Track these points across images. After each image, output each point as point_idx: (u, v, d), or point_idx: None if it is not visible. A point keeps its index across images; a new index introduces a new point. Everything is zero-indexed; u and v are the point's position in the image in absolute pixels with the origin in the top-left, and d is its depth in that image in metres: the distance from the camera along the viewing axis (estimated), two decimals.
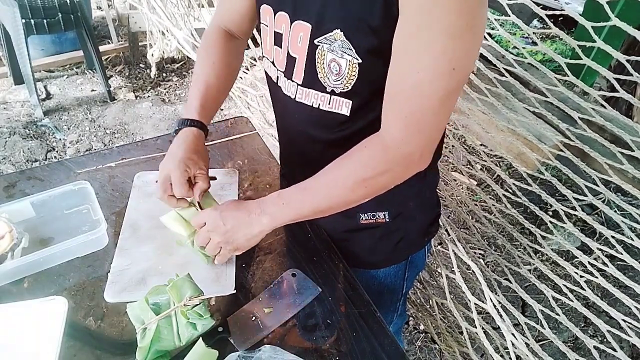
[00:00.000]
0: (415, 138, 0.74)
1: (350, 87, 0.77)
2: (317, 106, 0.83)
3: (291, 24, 0.79)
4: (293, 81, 0.84)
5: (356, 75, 0.75)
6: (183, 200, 0.92)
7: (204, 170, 0.93)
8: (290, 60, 0.83)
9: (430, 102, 0.70)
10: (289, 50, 0.82)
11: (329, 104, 0.82)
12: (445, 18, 0.62)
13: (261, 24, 0.88)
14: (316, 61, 0.78)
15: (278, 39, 0.84)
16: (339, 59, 0.74)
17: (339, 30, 0.72)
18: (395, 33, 0.68)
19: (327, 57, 0.76)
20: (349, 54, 0.73)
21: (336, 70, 0.76)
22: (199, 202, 0.93)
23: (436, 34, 0.64)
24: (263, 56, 0.93)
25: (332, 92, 0.80)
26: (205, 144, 0.98)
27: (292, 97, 0.86)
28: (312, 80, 0.81)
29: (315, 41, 0.76)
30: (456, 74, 0.67)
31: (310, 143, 0.91)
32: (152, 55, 3.38)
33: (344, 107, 0.81)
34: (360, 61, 0.73)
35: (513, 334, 1.23)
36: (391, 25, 0.67)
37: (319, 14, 0.74)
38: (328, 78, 0.78)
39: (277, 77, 0.89)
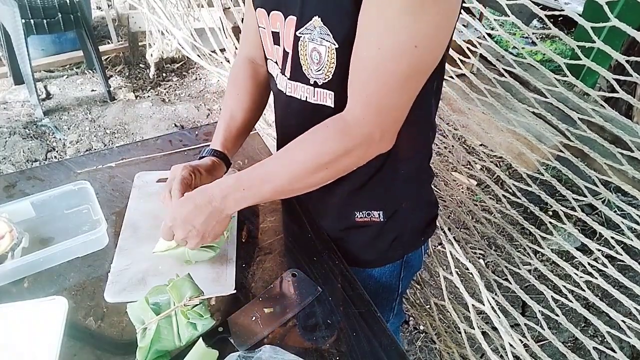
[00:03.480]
0: (375, 117, 0.74)
1: (330, 76, 0.78)
2: (304, 99, 0.84)
3: (285, 20, 0.80)
4: (284, 75, 0.86)
5: (335, 62, 0.75)
6: None
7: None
8: (285, 56, 0.84)
9: (391, 80, 0.70)
10: (284, 46, 0.83)
11: (314, 96, 0.82)
12: None
13: (259, 28, 0.89)
14: (299, 53, 0.79)
15: (276, 38, 0.85)
16: (319, 47, 0.75)
17: (317, 16, 0.73)
18: (360, 11, 0.68)
19: (309, 47, 0.77)
20: (327, 40, 0.74)
21: (317, 59, 0.77)
22: None
23: (396, 10, 0.64)
24: (267, 59, 0.94)
25: (315, 84, 0.81)
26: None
27: (284, 91, 0.87)
28: (297, 73, 0.82)
29: (297, 33, 0.77)
30: (418, 51, 0.67)
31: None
32: (152, 55, 3.38)
33: (328, 98, 0.81)
34: (337, 46, 0.74)
35: (511, 335, 1.23)
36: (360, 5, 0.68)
37: (302, 5, 0.75)
38: (310, 69, 0.79)
39: (277, 75, 0.90)
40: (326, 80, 0.79)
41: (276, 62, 0.89)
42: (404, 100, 0.74)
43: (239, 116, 1.01)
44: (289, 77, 0.84)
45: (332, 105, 0.82)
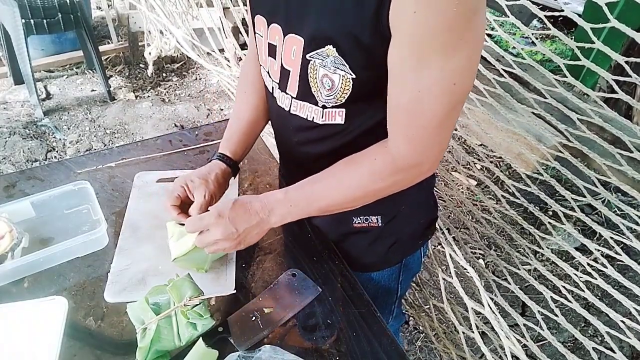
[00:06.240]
0: (422, 153, 0.75)
1: (343, 101, 0.77)
2: (311, 119, 0.83)
3: (284, 37, 0.78)
4: (287, 93, 0.84)
5: (350, 90, 0.75)
6: (183, 215, 0.90)
7: (200, 196, 0.89)
8: (284, 73, 0.82)
9: (434, 119, 0.70)
10: (283, 62, 0.81)
11: (322, 117, 0.82)
12: (439, 34, 0.62)
13: (256, 34, 0.88)
14: (309, 76, 0.77)
15: (272, 50, 0.83)
16: (332, 75, 0.74)
17: (331, 46, 0.71)
18: (389, 51, 0.68)
19: (320, 72, 0.75)
20: (342, 70, 0.73)
21: (328, 86, 0.76)
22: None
23: (431, 51, 0.63)
24: (260, 65, 0.93)
25: (324, 107, 0.80)
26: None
27: (287, 109, 0.86)
28: (306, 94, 0.81)
29: (307, 56, 0.75)
30: (457, 87, 0.67)
31: (307, 154, 0.91)
32: (150, 53, 3.37)
33: (337, 116, 0.81)
34: (354, 77, 0.73)
35: (510, 338, 1.23)
36: (381, 41, 0.67)
37: (311, 29, 0.73)
38: (320, 92, 0.78)
39: (272, 88, 0.89)
40: (337, 104, 0.78)
41: (268, 73, 0.88)
42: (446, 132, 0.75)
43: (245, 115, 1.02)
44: (294, 96, 0.83)
45: (342, 122, 0.82)
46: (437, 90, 0.67)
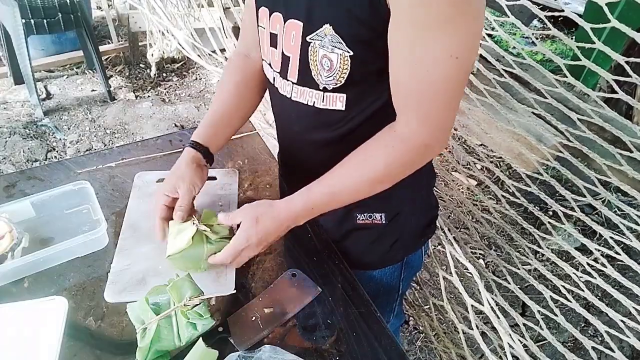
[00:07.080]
0: (432, 129, 0.76)
1: (342, 82, 0.78)
2: (312, 104, 0.84)
3: (285, 23, 0.80)
4: (288, 80, 0.85)
5: (348, 69, 0.76)
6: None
7: (182, 193, 0.90)
8: (285, 60, 0.83)
9: (439, 94, 0.71)
10: (283, 49, 0.82)
11: (323, 101, 0.82)
12: (437, 9, 0.63)
13: (259, 27, 0.89)
14: (309, 58, 0.78)
15: (273, 40, 0.84)
16: (330, 54, 0.75)
17: (328, 24, 0.73)
18: (389, 30, 0.69)
19: (319, 53, 0.76)
20: (339, 48, 0.74)
21: (327, 66, 0.77)
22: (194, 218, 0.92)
23: (431, 26, 0.64)
24: (263, 60, 0.94)
25: (325, 89, 0.81)
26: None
27: (288, 96, 0.87)
28: (306, 78, 0.82)
29: (307, 38, 0.77)
30: (459, 61, 0.68)
31: (308, 142, 0.92)
32: (152, 55, 3.38)
33: (338, 102, 0.82)
34: (351, 54, 0.74)
35: (510, 335, 1.23)
36: (379, 17, 0.68)
37: (308, 10, 0.75)
38: (320, 75, 0.79)
39: (274, 78, 0.90)
40: (337, 86, 0.79)
41: (270, 64, 0.89)
42: (453, 107, 0.76)
43: (225, 109, 1.01)
44: (295, 81, 0.84)
45: (343, 109, 0.82)
46: (441, 65, 0.67)
